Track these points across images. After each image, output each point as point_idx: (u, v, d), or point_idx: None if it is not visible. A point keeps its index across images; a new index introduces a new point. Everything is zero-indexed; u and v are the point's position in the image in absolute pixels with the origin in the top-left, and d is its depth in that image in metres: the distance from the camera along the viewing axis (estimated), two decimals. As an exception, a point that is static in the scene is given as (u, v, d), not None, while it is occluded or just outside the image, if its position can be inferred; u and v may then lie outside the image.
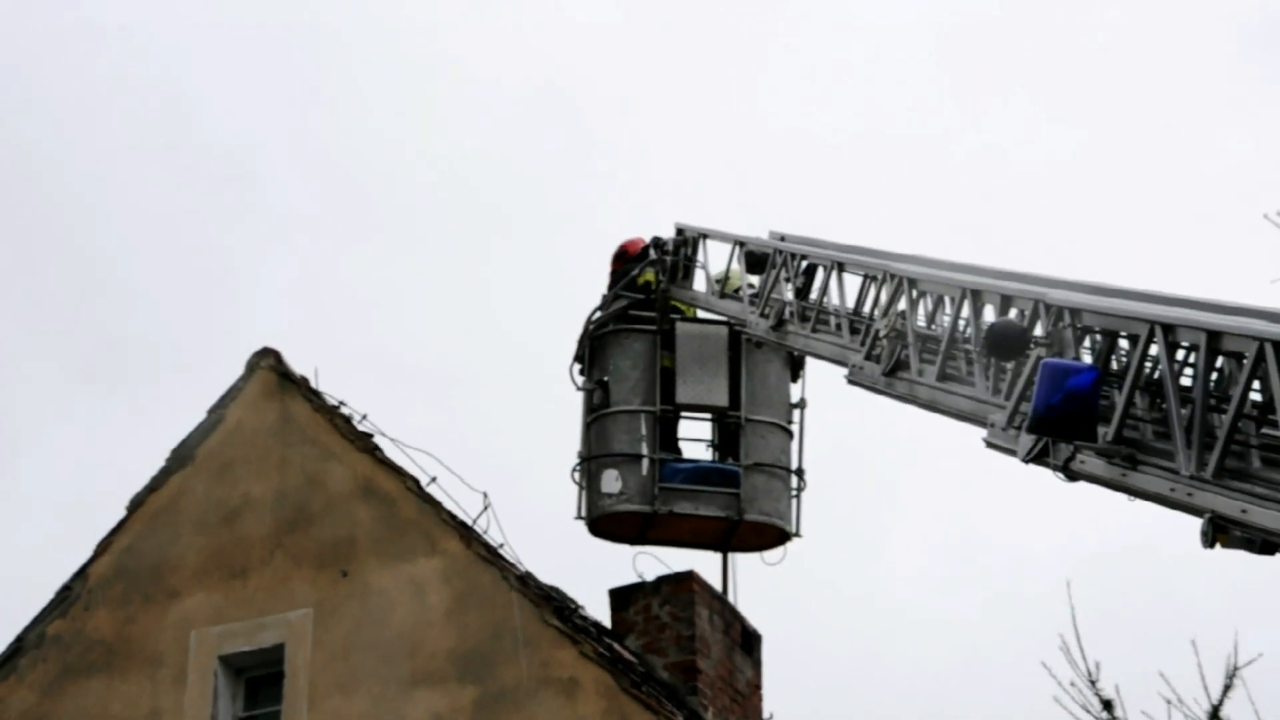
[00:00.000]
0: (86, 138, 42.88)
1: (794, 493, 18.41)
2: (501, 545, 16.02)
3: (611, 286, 19.03)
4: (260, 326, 40.84)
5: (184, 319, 40.28)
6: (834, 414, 19.19)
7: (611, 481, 18.13)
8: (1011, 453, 12.03)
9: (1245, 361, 9.96)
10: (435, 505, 16.12)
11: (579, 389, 18.80)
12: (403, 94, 44.54)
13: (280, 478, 16.65)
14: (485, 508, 16.22)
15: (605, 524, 18.19)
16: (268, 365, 17.17)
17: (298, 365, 17.20)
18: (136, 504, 17.01)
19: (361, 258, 42.07)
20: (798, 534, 18.40)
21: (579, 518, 18.41)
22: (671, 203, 39.28)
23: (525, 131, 44.11)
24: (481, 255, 42.23)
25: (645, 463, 18.08)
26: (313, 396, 16.93)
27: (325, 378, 17.13)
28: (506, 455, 31.73)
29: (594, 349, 18.76)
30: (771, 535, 18.28)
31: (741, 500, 18.06)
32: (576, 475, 18.53)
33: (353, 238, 43.19)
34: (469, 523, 16.05)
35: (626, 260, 19.06)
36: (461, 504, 16.18)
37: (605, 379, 18.51)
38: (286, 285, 40.73)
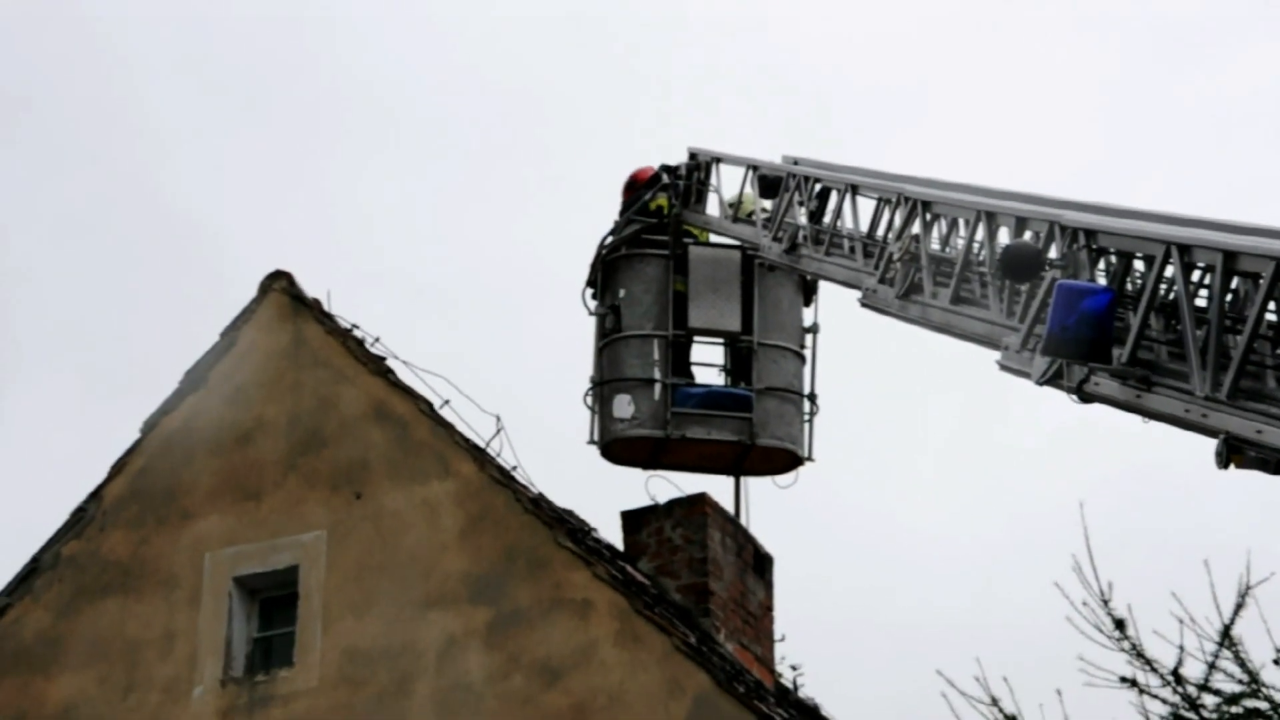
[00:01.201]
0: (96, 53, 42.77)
1: (806, 417, 18.41)
2: (515, 468, 16.04)
3: (623, 213, 19.00)
4: (272, 248, 40.76)
5: (195, 240, 40.32)
6: (848, 338, 19.19)
7: (624, 406, 18.14)
8: (1026, 375, 12.03)
9: (1261, 282, 9.96)
10: (448, 428, 16.12)
11: (591, 314, 18.77)
12: (418, 9, 44.38)
13: (293, 400, 16.64)
14: (498, 430, 16.23)
15: (617, 448, 18.21)
16: (280, 288, 17.14)
17: (310, 288, 17.19)
18: (150, 426, 17.02)
19: (373, 178, 42.05)
20: (810, 458, 18.41)
21: (591, 442, 18.42)
22: (690, 121, 39.20)
23: (540, 51, 44.02)
24: (496, 176, 42.19)
25: (657, 387, 18.08)
26: (325, 319, 16.91)
27: (338, 300, 17.11)
28: (520, 378, 31.77)
29: (606, 274, 18.73)
30: (783, 459, 18.29)
31: (754, 425, 18.05)
32: (589, 400, 18.54)
33: (364, 158, 43.18)
34: (482, 445, 16.06)
35: (637, 188, 19.02)
36: (475, 427, 16.19)
37: (617, 304, 18.48)
38: (297, 206, 40.76)
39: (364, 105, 42.80)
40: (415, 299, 37.79)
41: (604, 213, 19.11)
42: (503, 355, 34.18)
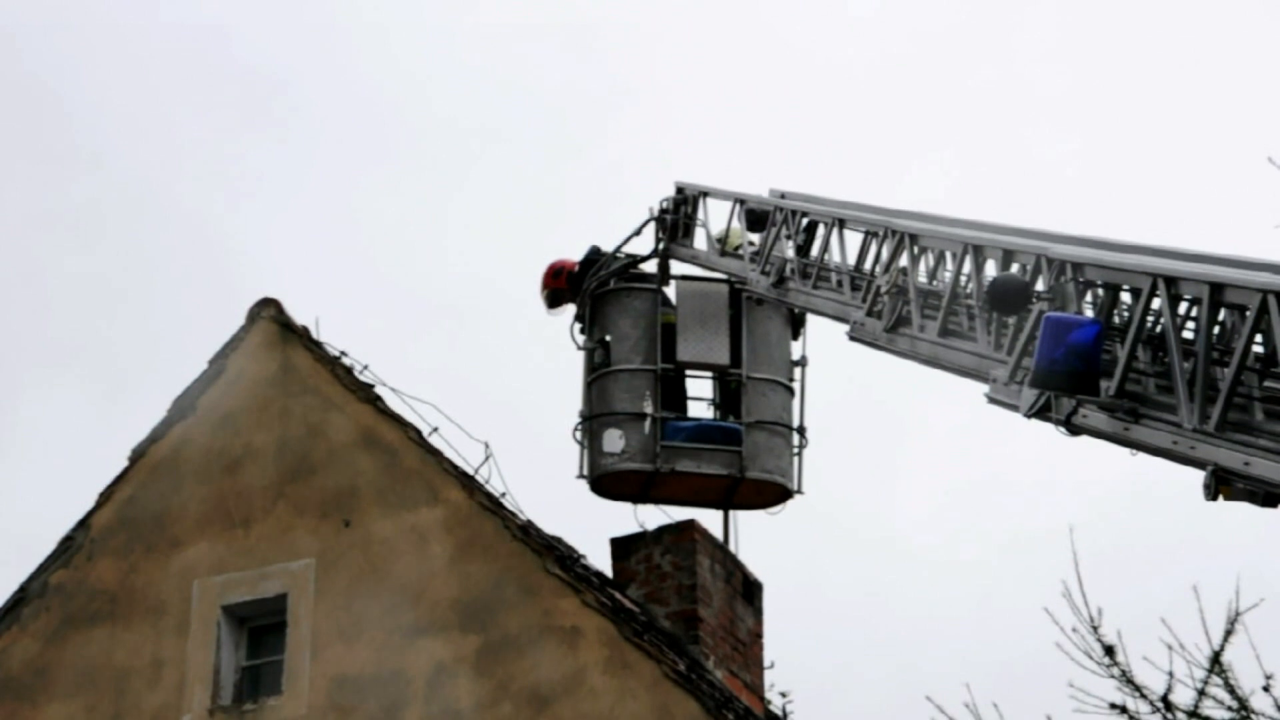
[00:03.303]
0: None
1: (795, 450, 18.43)
2: (503, 495, 16.07)
3: (549, 305, 19.05)
4: (261, 275, 40.78)
5: (183, 268, 40.30)
6: (836, 370, 19.21)
7: (614, 440, 18.14)
8: (1014, 408, 12.04)
9: (1248, 314, 9.97)
10: (437, 455, 16.16)
11: (580, 348, 18.79)
12: (409, 28, 44.41)
13: (282, 427, 16.66)
14: (487, 457, 16.28)
15: (607, 483, 18.21)
16: (269, 315, 17.17)
17: (298, 315, 17.20)
18: (138, 454, 17.04)
19: (363, 203, 42.02)
20: (799, 491, 18.43)
21: (581, 477, 18.42)
22: (684, 138, 39.28)
23: (532, 69, 43.99)
24: (485, 202, 42.17)
25: (647, 421, 18.08)
26: (314, 346, 16.94)
27: (328, 321, 17.16)
28: (508, 406, 31.76)
29: (594, 308, 18.75)
30: (773, 493, 18.30)
31: (743, 458, 18.07)
32: (578, 435, 18.53)
33: (356, 173, 43.19)
34: (471, 472, 16.09)
35: (564, 277, 18.99)
36: (463, 454, 16.22)
37: (606, 338, 18.50)
38: (286, 233, 40.74)
39: (353, 126, 42.88)
40: (403, 325, 37.78)
41: (596, 234, 19.14)
42: (492, 382, 34.15)
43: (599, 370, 18.44)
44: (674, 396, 18.51)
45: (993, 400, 12.40)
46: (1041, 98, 44.29)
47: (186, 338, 34.75)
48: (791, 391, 18.56)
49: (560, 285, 19.14)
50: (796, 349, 18.70)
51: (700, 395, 18.71)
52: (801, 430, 18.48)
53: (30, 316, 38.51)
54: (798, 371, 18.61)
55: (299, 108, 43.71)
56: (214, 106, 42.52)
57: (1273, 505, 9.89)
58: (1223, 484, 10.05)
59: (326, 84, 44.56)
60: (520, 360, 35.97)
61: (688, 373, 18.59)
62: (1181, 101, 43.21)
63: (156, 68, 42.70)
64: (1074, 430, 11.38)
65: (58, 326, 38.69)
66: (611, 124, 43.48)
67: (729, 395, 18.53)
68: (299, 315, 17.16)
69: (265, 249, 39.17)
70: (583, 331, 18.85)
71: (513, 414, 28.46)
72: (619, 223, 19.11)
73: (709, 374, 18.65)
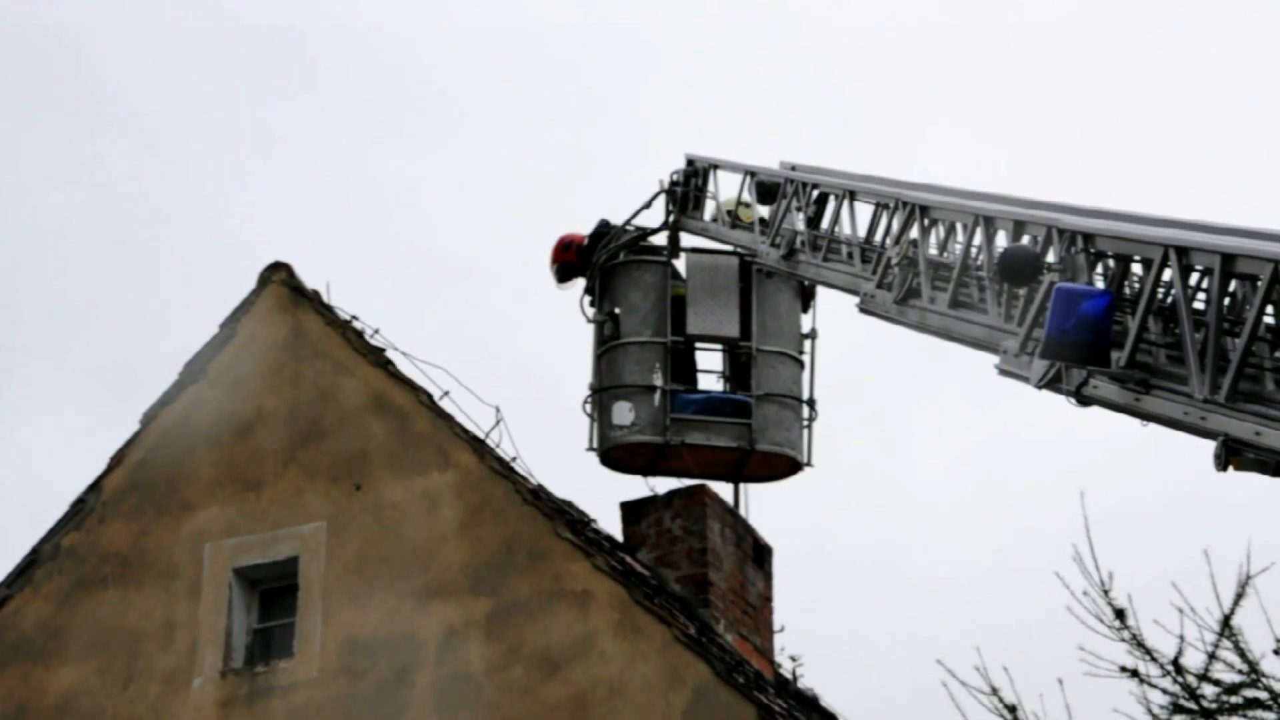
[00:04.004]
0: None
1: (805, 423, 18.45)
2: (514, 459, 16.09)
3: (559, 278, 19.06)
4: (273, 238, 40.75)
5: (195, 231, 40.33)
6: (845, 342, 19.22)
7: (624, 413, 18.16)
8: (1024, 379, 12.05)
9: (1259, 284, 9.98)
10: (448, 419, 16.17)
11: (589, 321, 18.80)
12: (432, 5, 44.36)
13: (293, 392, 16.68)
14: (498, 422, 16.29)
15: (617, 455, 18.23)
16: (279, 279, 17.18)
17: (309, 279, 17.22)
18: (149, 418, 17.06)
19: (378, 166, 42.00)
20: (809, 464, 18.45)
21: (591, 449, 18.45)
22: (706, 103, 39.21)
23: (552, 30, 43.92)
24: (499, 166, 42.13)
25: (657, 394, 18.10)
26: (325, 310, 16.96)
27: (339, 286, 17.16)
28: (520, 370, 31.78)
29: (604, 281, 18.75)
30: (783, 465, 18.32)
31: (753, 430, 18.09)
32: (588, 407, 18.55)
33: (368, 142, 43.15)
34: (481, 437, 16.11)
35: (573, 249, 19.01)
36: (474, 418, 16.24)
37: (616, 311, 18.51)
38: (300, 196, 40.75)
39: (365, 92, 42.82)
40: (415, 289, 37.78)
41: (614, 198, 19.11)
42: (503, 346, 34.16)
43: (609, 343, 18.45)
44: (684, 369, 18.52)
45: (1003, 372, 12.41)
46: (1054, 74, 44.22)
47: (198, 301, 34.77)
48: (801, 364, 18.57)
49: (570, 259, 19.15)
50: (806, 322, 18.71)
51: (710, 368, 18.75)
52: (811, 403, 18.49)
53: (43, 278, 38.56)
54: (807, 344, 18.62)
55: (314, 69, 43.73)
56: (229, 67, 42.54)
57: (1283, 474, 9.90)
58: (1233, 454, 10.07)
59: (342, 46, 44.59)
60: (533, 324, 35.96)
61: (697, 345, 18.61)
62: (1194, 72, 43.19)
63: (171, 27, 42.57)
64: (1084, 401, 11.39)
65: (69, 288, 38.76)
66: (632, 89, 43.42)
67: (739, 368, 18.55)
68: (310, 279, 17.18)
69: (279, 212, 39.21)
70: (592, 304, 18.86)
71: (525, 378, 28.48)
72: (636, 187, 19.13)
73: (719, 347, 18.67)
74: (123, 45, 43.05)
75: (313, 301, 16.99)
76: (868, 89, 44.30)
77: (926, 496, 36.93)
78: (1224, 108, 42.52)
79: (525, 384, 27.68)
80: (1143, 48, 44.31)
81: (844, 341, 19.03)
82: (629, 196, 19.13)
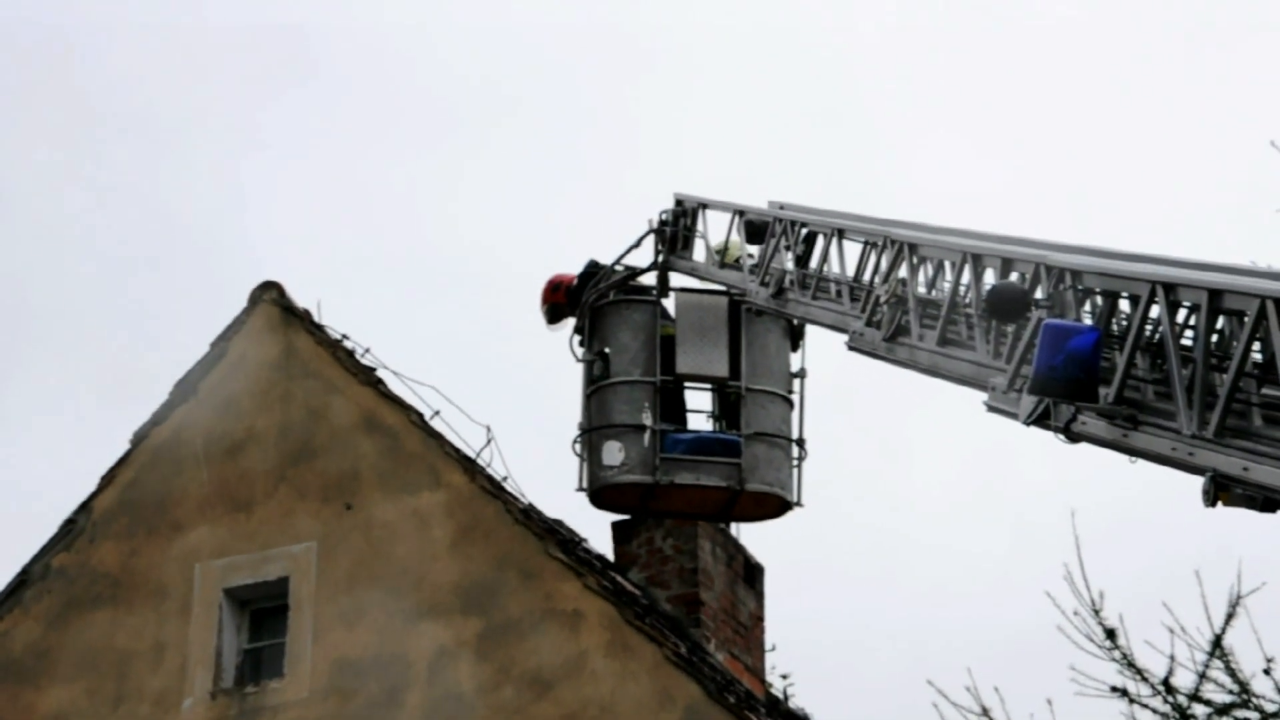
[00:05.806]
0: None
1: (795, 462, 18.45)
2: (505, 478, 16.13)
3: (549, 320, 19.08)
4: (263, 258, 40.77)
5: (186, 250, 40.32)
6: (834, 380, 19.24)
7: (613, 453, 18.16)
8: (1013, 415, 12.07)
9: (1246, 320, 10.01)
10: (439, 438, 16.22)
11: (579, 360, 18.81)
12: (423, 10, 44.42)
13: (284, 411, 16.72)
14: (488, 441, 16.35)
15: (607, 495, 18.21)
16: (270, 298, 17.22)
17: (300, 297, 17.26)
18: (140, 437, 17.08)
19: (363, 185, 42.00)
20: (799, 503, 18.45)
21: (580, 489, 18.44)
22: (699, 117, 39.23)
23: (545, 42, 43.94)
24: (493, 179, 42.13)
25: (646, 433, 18.10)
26: (315, 330, 17.00)
27: (330, 303, 17.26)
28: (510, 389, 31.77)
29: (593, 321, 18.77)
30: (773, 504, 18.31)
31: (743, 470, 18.09)
32: (577, 447, 18.55)
33: (360, 150, 43.17)
34: (472, 456, 16.13)
35: (563, 291, 19.05)
36: (465, 437, 16.28)
37: (605, 350, 18.52)
38: (288, 206, 40.73)
39: (354, 109, 42.81)
40: (404, 308, 37.77)
41: (606, 228, 19.16)
42: (494, 366, 34.14)
43: (598, 382, 18.46)
44: (673, 408, 18.53)
45: (992, 408, 12.43)
46: (1050, 93, 44.30)
47: (188, 321, 34.74)
48: (791, 403, 18.59)
49: (559, 300, 19.17)
50: (796, 361, 18.74)
51: (699, 407, 18.77)
52: (801, 442, 18.50)
53: (30, 298, 38.50)
54: (797, 383, 18.64)
55: (313, 69, 43.71)
56: (227, 68, 42.49)
57: (1272, 510, 9.92)
58: (1222, 490, 10.08)
59: (333, 57, 44.53)
60: (525, 341, 35.91)
61: (687, 385, 18.62)
62: (1191, 87, 43.28)
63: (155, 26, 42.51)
64: (1073, 437, 11.41)
65: (58, 309, 38.74)
66: (626, 103, 43.44)
67: (728, 407, 18.56)
68: (302, 287, 17.27)
69: (269, 229, 39.20)
70: (582, 344, 18.88)
71: (515, 388, 28.47)
72: (632, 196, 19.13)
73: (708, 386, 18.69)
74: (119, 45, 43.07)
75: (303, 321, 17.06)
76: (867, 95, 44.40)
77: (918, 519, 36.98)
78: (1226, 114, 42.60)
79: (516, 395, 27.76)
80: (1147, 55, 44.41)
81: (832, 379, 19.08)
82: (626, 202, 19.16)
